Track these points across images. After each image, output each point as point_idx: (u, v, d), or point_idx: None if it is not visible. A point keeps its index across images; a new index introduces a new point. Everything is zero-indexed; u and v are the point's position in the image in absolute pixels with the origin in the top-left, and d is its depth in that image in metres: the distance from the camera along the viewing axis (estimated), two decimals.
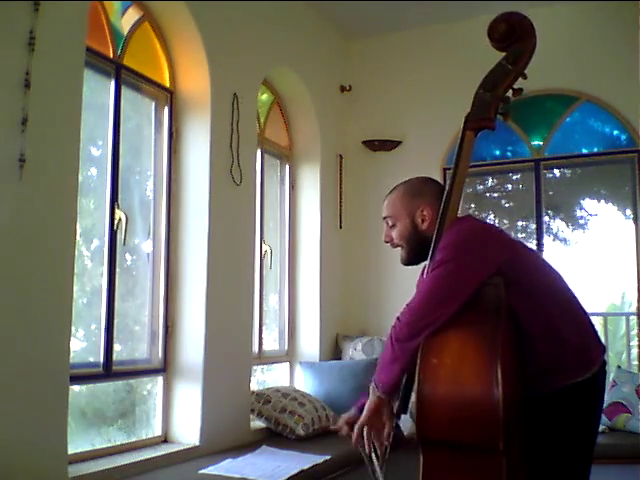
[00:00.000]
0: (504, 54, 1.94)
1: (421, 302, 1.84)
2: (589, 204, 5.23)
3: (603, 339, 5.20)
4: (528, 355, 1.87)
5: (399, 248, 2.11)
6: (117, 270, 3.35)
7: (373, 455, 1.93)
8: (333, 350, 5.04)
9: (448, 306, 1.80)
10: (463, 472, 1.70)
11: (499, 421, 1.62)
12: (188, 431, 3.59)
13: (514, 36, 1.90)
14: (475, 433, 1.66)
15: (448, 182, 1.96)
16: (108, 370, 3.28)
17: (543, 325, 1.88)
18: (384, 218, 2.10)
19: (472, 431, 1.66)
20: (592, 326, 2.00)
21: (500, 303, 1.81)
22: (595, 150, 4.99)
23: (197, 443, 3.55)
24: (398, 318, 1.85)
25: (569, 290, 1.98)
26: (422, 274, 2.03)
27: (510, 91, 1.95)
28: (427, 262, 1.95)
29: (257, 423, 4.06)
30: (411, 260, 2.09)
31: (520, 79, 1.95)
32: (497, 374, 1.64)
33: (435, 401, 1.68)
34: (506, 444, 1.63)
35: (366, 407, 1.91)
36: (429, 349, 1.74)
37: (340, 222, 5.31)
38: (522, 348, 1.88)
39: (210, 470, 3.17)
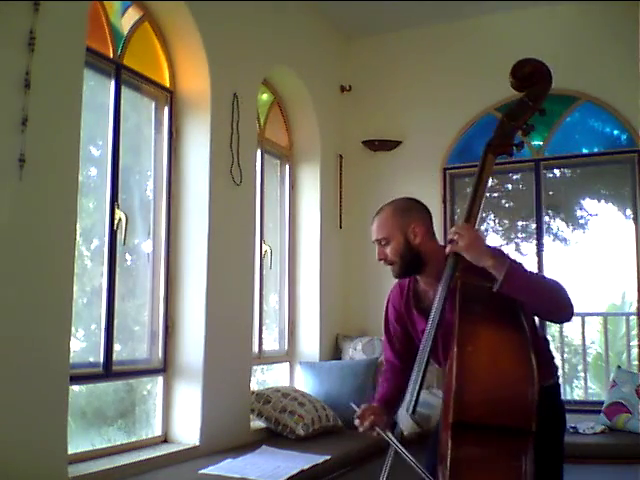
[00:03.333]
0: (525, 92, 2.15)
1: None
2: (589, 204, 5.23)
3: (603, 339, 5.25)
4: None
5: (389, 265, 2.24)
6: (117, 270, 3.35)
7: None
8: (333, 350, 5.04)
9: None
10: (494, 454, 1.78)
11: (534, 404, 1.74)
12: (188, 431, 3.59)
13: (534, 78, 2.14)
14: (511, 415, 1.76)
15: (468, 201, 2.09)
16: (108, 370, 3.27)
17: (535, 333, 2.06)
18: (376, 240, 2.21)
19: (508, 413, 1.76)
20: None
21: (517, 305, 1.97)
22: (595, 150, 4.98)
23: (197, 443, 3.55)
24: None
25: None
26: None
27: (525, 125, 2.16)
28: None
29: (257, 423, 4.06)
30: (403, 274, 2.24)
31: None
32: (531, 359, 1.78)
33: (473, 386, 1.78)
34: (536, 425, 1.74)
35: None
36: (463, 338, 1.84)
37: (340, 222, 5.31)
38: None
39: (210, 470, 3.17)
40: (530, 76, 2.14)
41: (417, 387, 1.96)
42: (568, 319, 2.05)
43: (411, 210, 2.22)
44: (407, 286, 2.29)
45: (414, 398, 1.96)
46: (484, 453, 1.78)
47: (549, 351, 2.23)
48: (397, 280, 2.31)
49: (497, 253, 1.99)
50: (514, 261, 1.99)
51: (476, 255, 1.95)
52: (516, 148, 2.14)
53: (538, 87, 2.14)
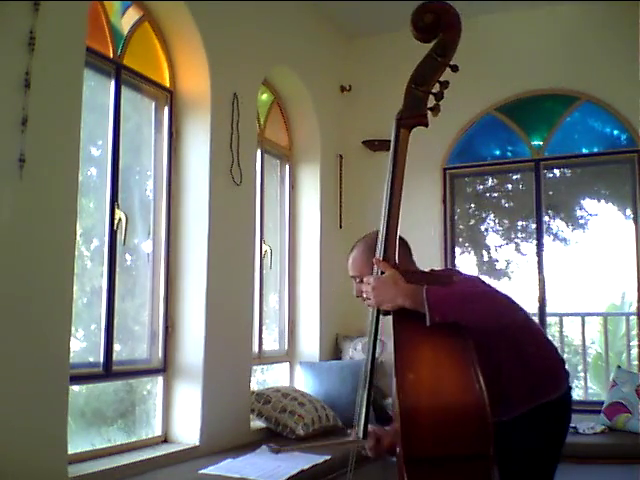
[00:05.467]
0: (432, 45, 1.84)
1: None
2: (589, 204, 5.23)
3: (603, 339, 5.26)
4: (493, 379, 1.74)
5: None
6: (117, 270, 3.35)
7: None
8: (333, 350, 5.04)
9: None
10: None
11: (488, 425, 1.54)
12: (188, 431, 3.59)
13: (440, 27, 1.80)
14: (465, 443, 1.57)
15: (386, 186, 1.86)
16: (108, 370, 3.28)
17: (510, 349, 1.90)
18: (351, 277, 2.11)
19: (461, 441, 1.57)
20: (555, 350, 2.04)
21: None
22: (595, 150, 4.99)
23: (197, 443, 3.55)
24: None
25: (527, 312, 1.97)
26: None
27: (437, 85, 1.88)
28: None
29: (257, 423, 4.06)
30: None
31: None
32: (478, 377, 1.57)
33: (418, 417, 1.57)
34: (493, 449, 1.57)
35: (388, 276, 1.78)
36: (403, 365, 1.64)
37: (340, 222, 5.31)
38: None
39: (210, 470, 3.17)
40: (433, 26, 1.78)
41: (364, 410, 1.88)
42: (502, 324, 1.79)
43: None
44: None
45: (362, 422, 1.88)
46: None
47: (550, 360, 2.00)
48: None
49: (411, 290, 1.74)
50: (431, 288, 1.72)
51: (390, 304, 1.75)
52: (432, 112, 1.86)
53: (444, 37, 1.79)
